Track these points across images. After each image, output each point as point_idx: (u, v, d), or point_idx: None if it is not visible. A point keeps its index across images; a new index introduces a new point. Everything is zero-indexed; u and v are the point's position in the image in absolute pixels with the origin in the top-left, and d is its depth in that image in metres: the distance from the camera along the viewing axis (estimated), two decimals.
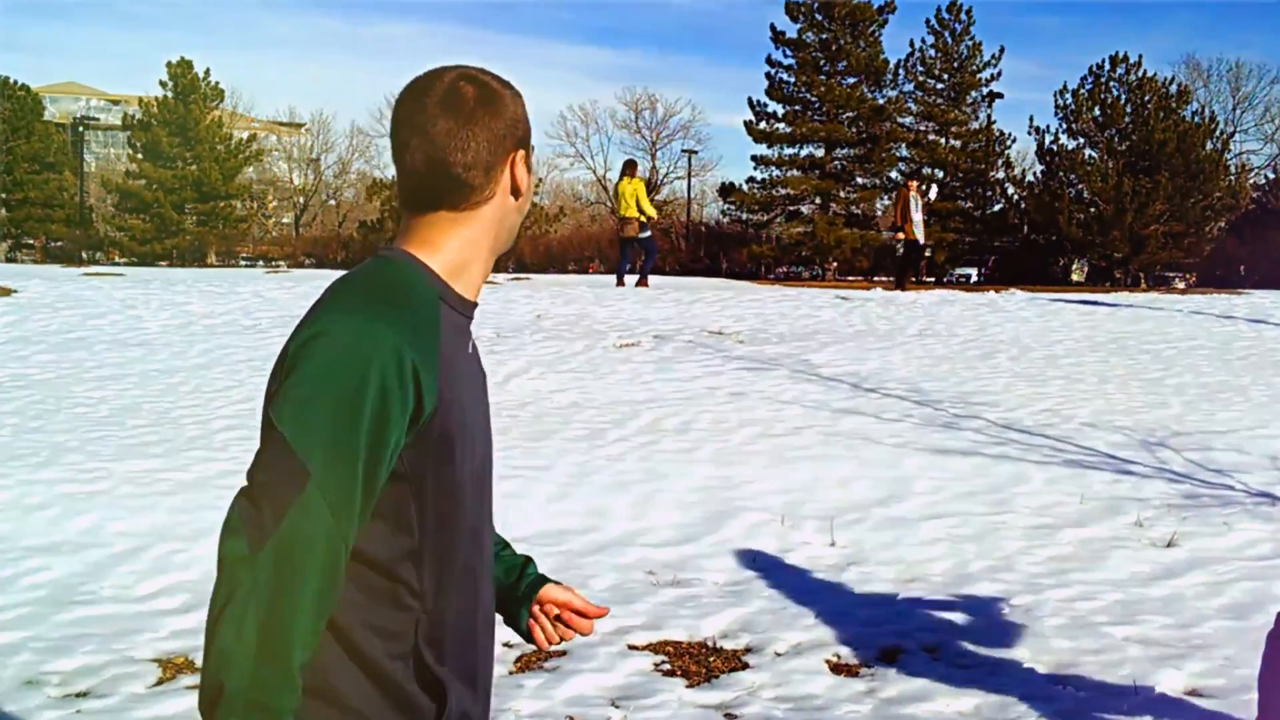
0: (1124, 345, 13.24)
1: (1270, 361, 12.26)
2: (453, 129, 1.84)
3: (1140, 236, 50.92)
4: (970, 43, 58.61)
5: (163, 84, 56.62)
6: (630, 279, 20.32)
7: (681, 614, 5.69)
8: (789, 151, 57.98)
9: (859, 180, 58.04)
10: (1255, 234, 54.39)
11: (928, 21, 58.58)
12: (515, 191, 1.93)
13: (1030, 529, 7.03)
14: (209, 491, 7.25)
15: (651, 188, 73.75)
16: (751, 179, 58.24)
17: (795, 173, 57.75)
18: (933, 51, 58.67)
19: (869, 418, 9.54)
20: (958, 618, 5.69)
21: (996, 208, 57.82)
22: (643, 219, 20.23)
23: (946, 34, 58.51)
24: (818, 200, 58.23)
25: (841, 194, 57.80)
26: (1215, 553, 6.59)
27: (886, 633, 5.48)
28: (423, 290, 1.83)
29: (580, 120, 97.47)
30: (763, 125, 57.44)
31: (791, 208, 58.55)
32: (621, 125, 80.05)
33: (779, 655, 5.25)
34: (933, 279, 54.54)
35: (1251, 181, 60.34)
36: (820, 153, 57.75)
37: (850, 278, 51.44)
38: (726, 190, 59.02)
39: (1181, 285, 49.17)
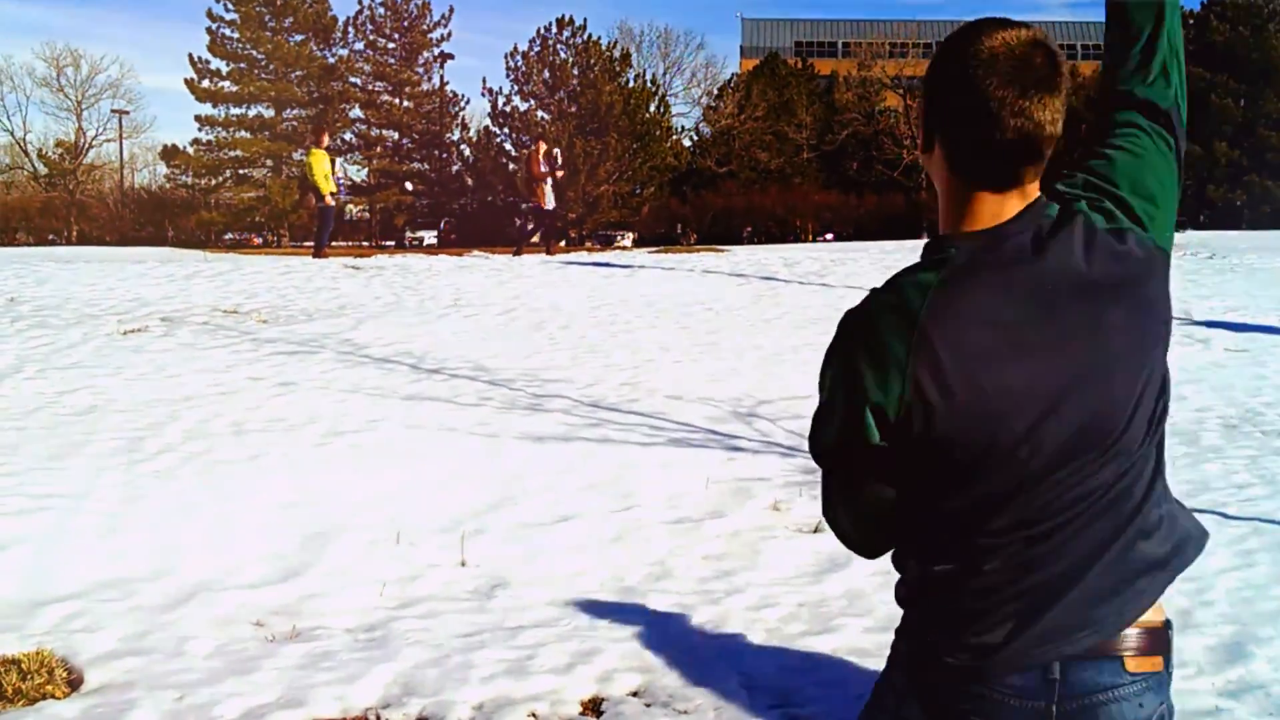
0: (662, 308, 12.98)
1: (807, 320, 12.34)
2: (1046, 102, 1.81)
3: (593, 197, 52.55)
4: (420, 2, 58.10)
5: None
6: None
7: (320, 679, 4.50)
8: (237, 112, 55.28)
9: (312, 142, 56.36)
10: (692, 193, 57.73)
11: None
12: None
13: (670, 524, 6.34)
14: None
15: (78, 151, 68.12)
16: (197, 140, 54.89)
17: (245, 134, 55.12)
18: (382, 10, 57.69)
19: (445, 403, 8.55)
20: (648, 645, 4.87)
21: (454, 169, 57.86)
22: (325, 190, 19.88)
23: None
24: (270, 163, 55.89)
25: (295, 156, 55.79)
26: None
27: (580, 678, 4.56)
28: None
29: None
30: (206, 84, 54.34)
31: (242, 171, 55.84)
32: (42, 83, 73.02)
33: None
34: (392, 243, 53.88)
35: (675, 141, 63.48)
36: (271, 113, 55.44)
37: (308, 243, 49.76)
38: (170, 153, 55.33)
39: (628, 244, 51.15)
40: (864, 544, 2.04)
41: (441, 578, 5.55)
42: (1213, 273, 17.40)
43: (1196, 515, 6.13)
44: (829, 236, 52.46)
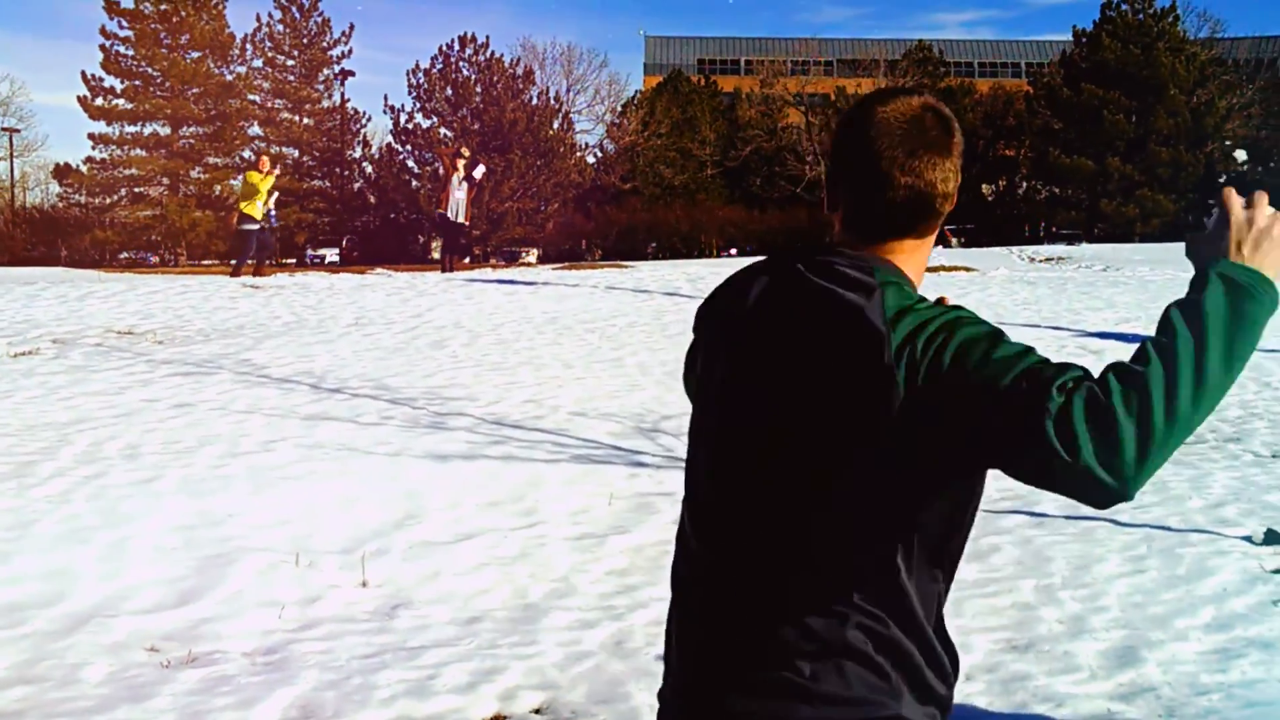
0: (565, 325, 12.97)
1: None
2: (937, 163, 1.87)
3: (498, 214, 52.41)
4: (319, 19, 57.73)
5: None
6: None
7: (218, 704, 4.43)
8: (131, 129, 54.26)
9: (210, 160, 55.50)
10: (596, 209, 57.79)
11: None
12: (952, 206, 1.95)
13: (574, 540, 6.33)
14: None
15: None
16: (91, 159, 53.82)
17: (140, 152, 54.14)
18: (281, 27, 57.16)
19: (346, 423, 8.46)
20: (550, 663, 4.85)
21: (355, 186, 57.40)
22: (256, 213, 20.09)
23: (294, 9, 57.19)
24: (166, 181, 54.99)
25: (192, 174, 54.96)
26: None
27: (483, 696, 4.54)
28: None
29: None
30: (100, 101, 53.28)
31: (138, 189, 54.84)
32: None
33: None
34: (293, 260, 53.30)
35: (579, 157, 63.44)
36: (166, 131, 54.54)
37: (206, 262, 49.03)
38: (62, 172, 54.21)
39: (532, 260, 51.06)
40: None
41: (342, 598, 5.49)
42: (1106, 285, 17.79)
43: (1089, 524, 6.22)
44: (733, 252, 52.78)
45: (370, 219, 56.73)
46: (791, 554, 1.82)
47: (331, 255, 56.44)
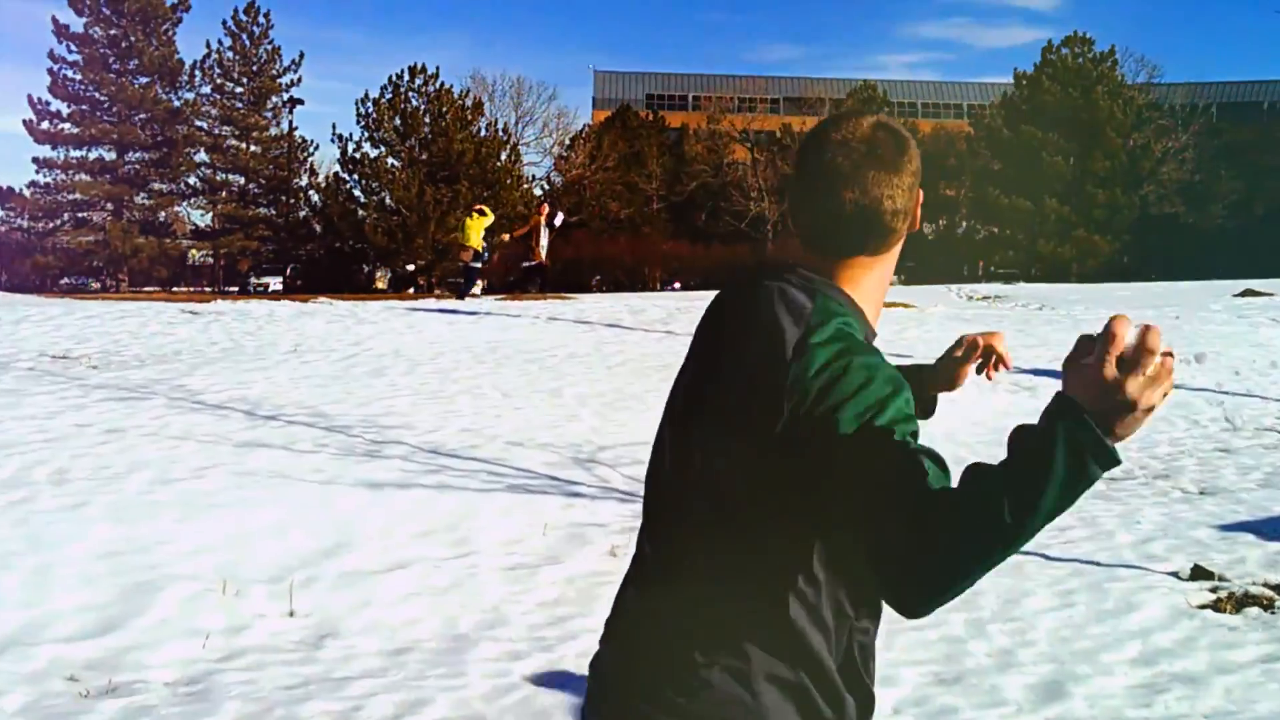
0: (505, 355, 12.93)
1: (650, 367, 12.40)
2: (883, 179, 1.87)
3: (443, 244, 52.20)
4: (269, 47, 57.42)
5: None
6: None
7: None
8: (76, 154, 53.62)
9: (156, 185, 54.93)
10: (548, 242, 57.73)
11: (225, 23, 56.70)
12: (912, 227, 1.96)
13: (506, 570, 6.29)
14: None
15: None
16: (34, 183, 53.16)
17: (84, 176, 53.51)
18: (231, 54, 56.83)
19: (280, 450, 8.37)
20: (479, 694, 4.81)
21: (301, 215, 57.00)
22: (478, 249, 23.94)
23: (244, 36, 56.88)
24: (110, 206, 54.39)
25: (137, 200, 54.39)
26: None
27: None
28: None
29: None
30: (46, 125, 52.65)
31: (81, 214, 54.18)
32: None
33: None
34: (236, 289, 52.87)
35: (527, 189, 63.40)
36: (112, 155, 53.97)
37: (149, 289, 48.52)
38: (4, 195, 53.49)
39: (477, 291, 50.80)
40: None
41: (268, 628, 5.42)
42: (1041, 323, 17.98)
43: (1019, 559, 6.20)
44: (676, 285, 52.92)
45: (315, 247, 56.28)
46: (694, 565, 1.88)
47: (275, 283, 56.01)
